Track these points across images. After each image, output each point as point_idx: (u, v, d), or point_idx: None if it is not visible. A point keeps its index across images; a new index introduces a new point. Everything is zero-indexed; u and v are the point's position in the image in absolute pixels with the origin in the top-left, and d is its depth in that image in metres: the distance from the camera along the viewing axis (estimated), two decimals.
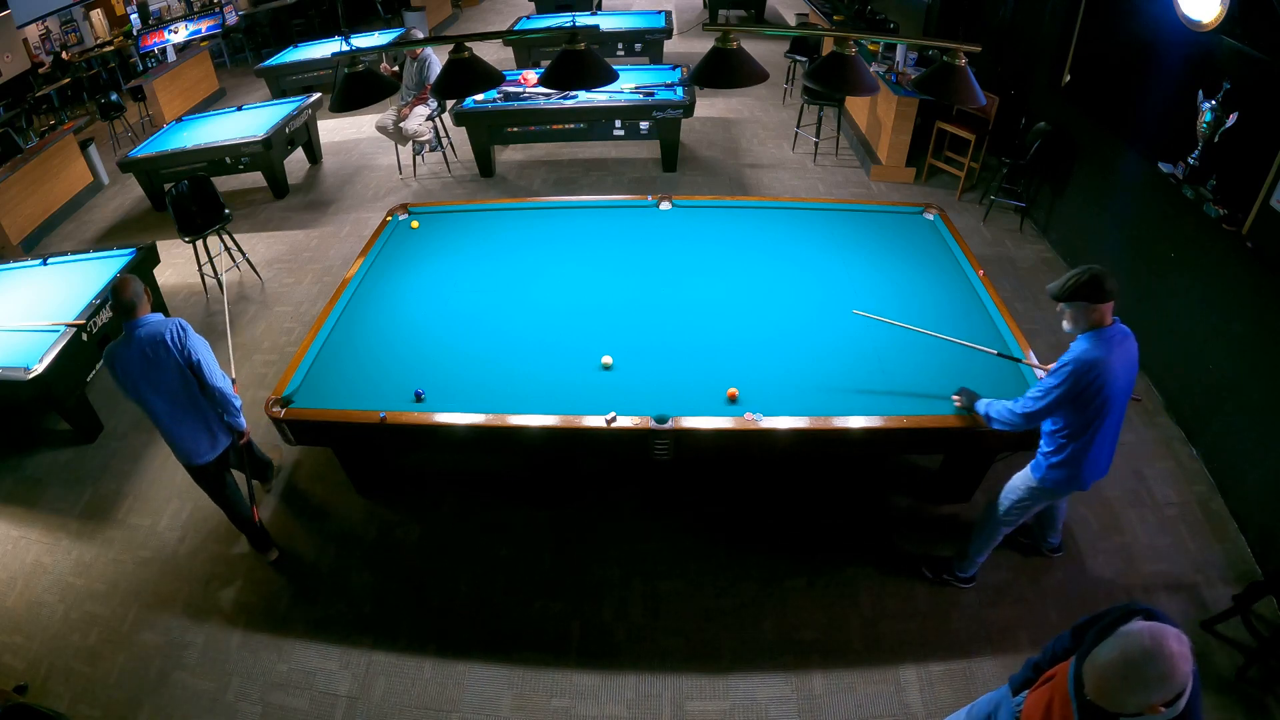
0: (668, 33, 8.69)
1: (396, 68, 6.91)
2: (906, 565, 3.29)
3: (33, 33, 10.56)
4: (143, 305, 2.93)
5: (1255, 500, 3.37)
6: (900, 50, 6.36)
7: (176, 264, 5.86)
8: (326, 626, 3.23)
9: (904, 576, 3.25)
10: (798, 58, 8.03)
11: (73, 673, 3.14)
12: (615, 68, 2.78)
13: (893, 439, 2.99)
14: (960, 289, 3.67)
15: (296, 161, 7.41)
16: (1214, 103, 3.57)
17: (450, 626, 3.19)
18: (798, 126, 7.09)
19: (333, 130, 8.23)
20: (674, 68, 7.30)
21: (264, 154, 6.45)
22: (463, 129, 6.80)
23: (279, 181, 6.85)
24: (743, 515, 3.57)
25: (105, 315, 4.32)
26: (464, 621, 3.21)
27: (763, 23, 11.00)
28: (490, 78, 2.73)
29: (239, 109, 7.40)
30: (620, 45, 8.75)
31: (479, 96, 6.51)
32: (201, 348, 3.00)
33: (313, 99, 7.27)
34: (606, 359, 3.29)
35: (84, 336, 4.08)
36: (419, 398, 3.14)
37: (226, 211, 5.34)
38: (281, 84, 8.94)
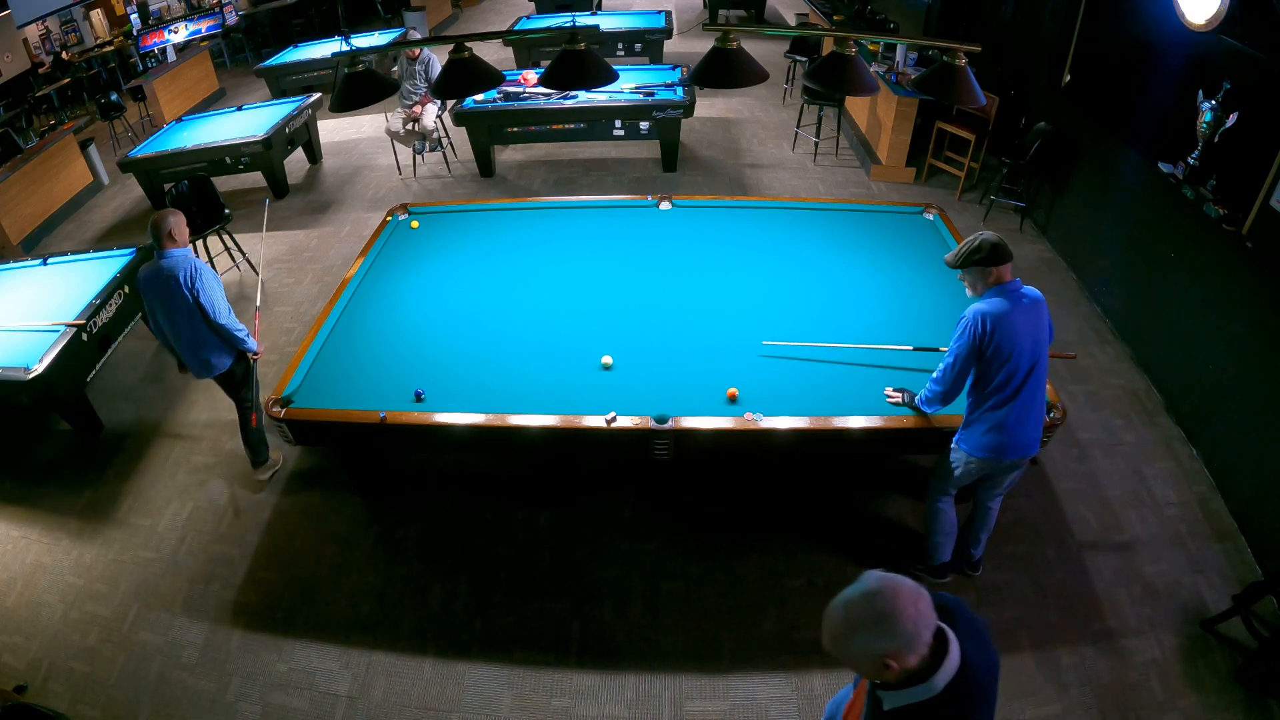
0: (668, 33, 8.68)
1: (396, 68, 6.91)
2: (906, 565, 3.28)
3: (33, 33, 10.56)
4: (171, 240, 3.37)
5: (1255, 500, 3.37)
6: (900, 50, 6.36)
7: None
8: (326, 626, 3.23)
9: (904, 576, 3.24)
10: (798, 58, 8.04)
11: (73, 673, 3.14)
12: (615, 68, 2.78)
13: (892, 439, 2.99)
14: (960, 289, 3.65)
15: (296, 161, 7.41)
16: (1214, 103, 3.57)
17: (450, 626, 3.19)
18: (798, 126, 7.09)
19: (333, 130, 8.23)
20: (674, 68, 7.30)
21: (264, 154, 6.45)
22: (463, 129, 6.81)
23: (279, 181, 6.85)
24: (743, 515, 3.57)
25: (105, 315, 4.32)
26: (464, 621, 3.21)
27: (763, 23, 11.00)
28: (490, 78, 2.73)
29: (239, 109, 7.40)
30: (620, 45, 8.75)
31: (479, 96, 6.51)
32: (210, 289, 3.41)
33: (313, 99, 7.27)
34: (606, 359, 3.29)
35: (84, 336, 4.08)
36: (419, 398, 3.14)
37: (226, 211, 5.35)
38: (281, 84, 8.94)
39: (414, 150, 7.04)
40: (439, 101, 6.77)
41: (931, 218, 4.27)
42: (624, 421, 2.93)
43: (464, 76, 2.67)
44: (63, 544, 3.71)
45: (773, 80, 7.68)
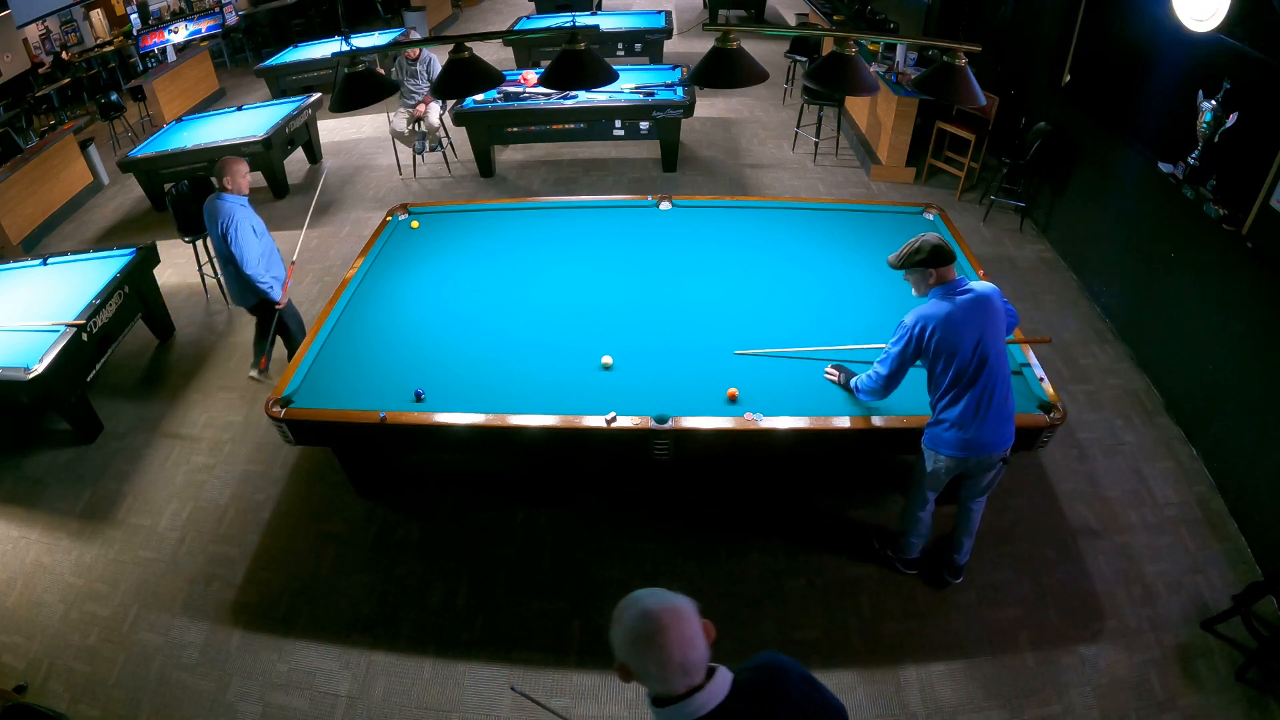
0: (668, 33, 8.68)
1: (394, 69, 6.91)
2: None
3: (33, 33, 10.56)
4: (224, 184, 3.89)
5: (1255, 500, 3.37)
6: (900, 50, 6.36)
7: (177, 264, 5.86)
8: (326, 626, 3.23)
9: (904, 576, 3.25)
10: (798, 58, 8.03)
11: (73, 673, 3.14)
12: (615, 68, 2.78)
13: (892, 439, 2.99)
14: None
15: (296, 161, 7.41)
16: (1214, 103, 3.57)
17: (450, 626, 3.19)
18: (798, 126, 7.09)
19: (333, 130, 8.23)
20: (674, 68, 7.30)
21: (264, 154, 6.45)
22: (463, 129, 6.81)
23: (279, 181, 6.85)
24: (743, 515, 3.57)
25: (105, 315, 4.32)
26: (464, 621, 3.21)
27: (763, 23, 11.00)
28: (490, 78, 2.73)
29: (239, 109, 7.40)
30: (620, 45, 8.75)
31: (479, 96, 6.51)
32: (242, 241, 3.85)
33: (313, 99, 7.27)
34: (606, 359, 3.29)
35: (84, 336, 4.08)
36: (419, 398, 3.14)
37: None
38: (281, 84, 8.94)
39: (414, 150, 7.04)
40: (441, 101, 6.77)
41: (932, 218, 4.27)
42: (624, 421, 2.93)
43: (464, 76, 2.67)
44: (63, 544, 3.71)
45: (773, 80, 7.68)
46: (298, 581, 3.43)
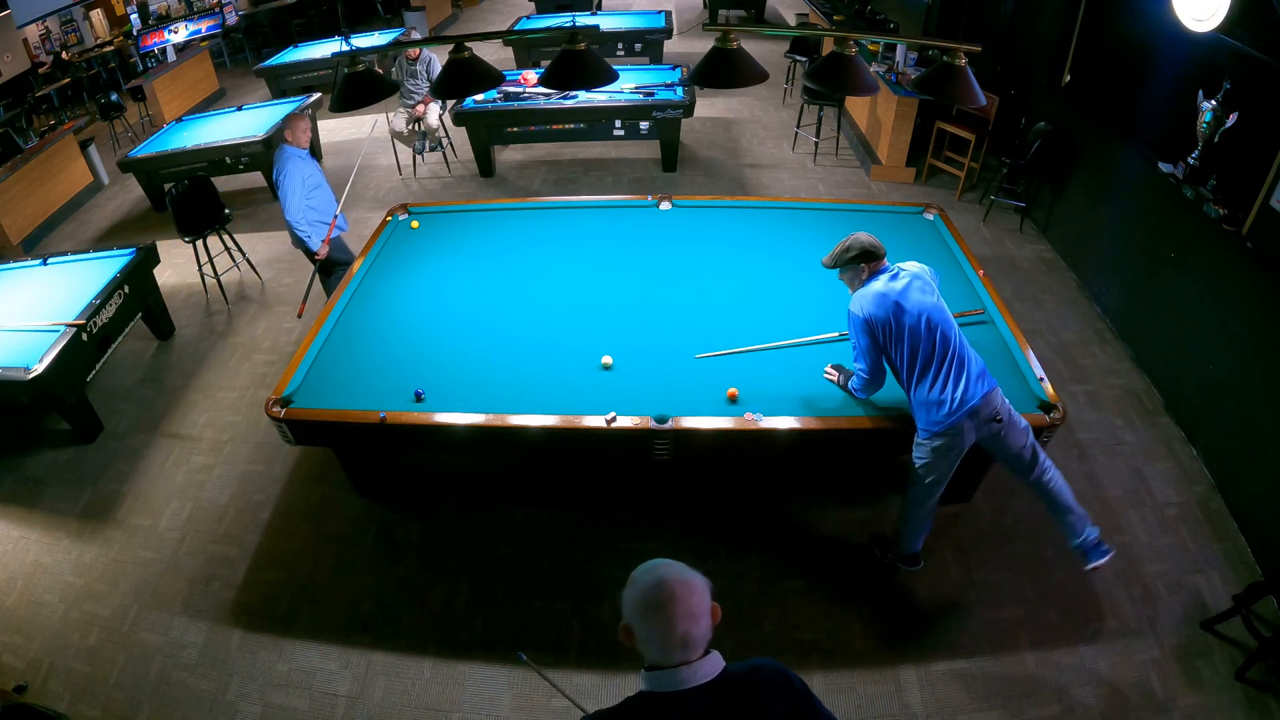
0: (668, 33, 8.68)
1: (394, 69, 6.91)
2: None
3: (33, 33, 10.56)
4: (284, 136, 4.33)
5: (1255, 500, 3.37)
6: (900, 50, 6.36)
7: (177, 264, 5.86)
8: (326, 626, 3.23)
9: (903, 576, 3.25)
10: (798, 58, 8.03)
11: (73, 673, 3.14)
12: (615, 68, 2.78)
13: (892, 439, 2.99)
14: (960, 289, 3.67)
15: None
16: (1214, 103, 3.57)
17: (450, 626, 3.19)
18: (798, 126, 7.09)
19: (333, 130, 8.23)
20: (674, 68, 7.30)
21: (264, 154, 6.45)
22: (463, 129, 6.80)
23: None
24: (743, 515, 3.57)
25: (105, 315, 4.32)
26: (464, 621, 3.21)
27: (763, 23, 11.00)
28: (490, 78, 2.73)
29: (239, 109, 7.40)
30: (620, 45, 8.74)
31: (479, 96, 6.51)
32: (286, 188, 4.24)
33: (313, 99, 7.27)
34: (606, 359, 3.29)
35: (84, 336, 4.08)
36: (419, 398, 3.14)
37: (227, 211, 5.35)
38: (281, 84, 8.93)
39: (414, 150, 7.04)
40: (441, 101, 6.77)
41: (931, 218, 4.27)
42: (624, 421, 2.93)
43: (464, 76, 2.67)
44: (63, 544, 3.71)
45: (773, 80, 7.68)
46: (298, 581, 3.43)
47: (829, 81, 2.65)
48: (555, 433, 2.98)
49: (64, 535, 3.75)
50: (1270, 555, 3.21)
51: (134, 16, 10.76)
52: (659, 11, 9.14)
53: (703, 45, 9.28)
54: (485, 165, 6.87)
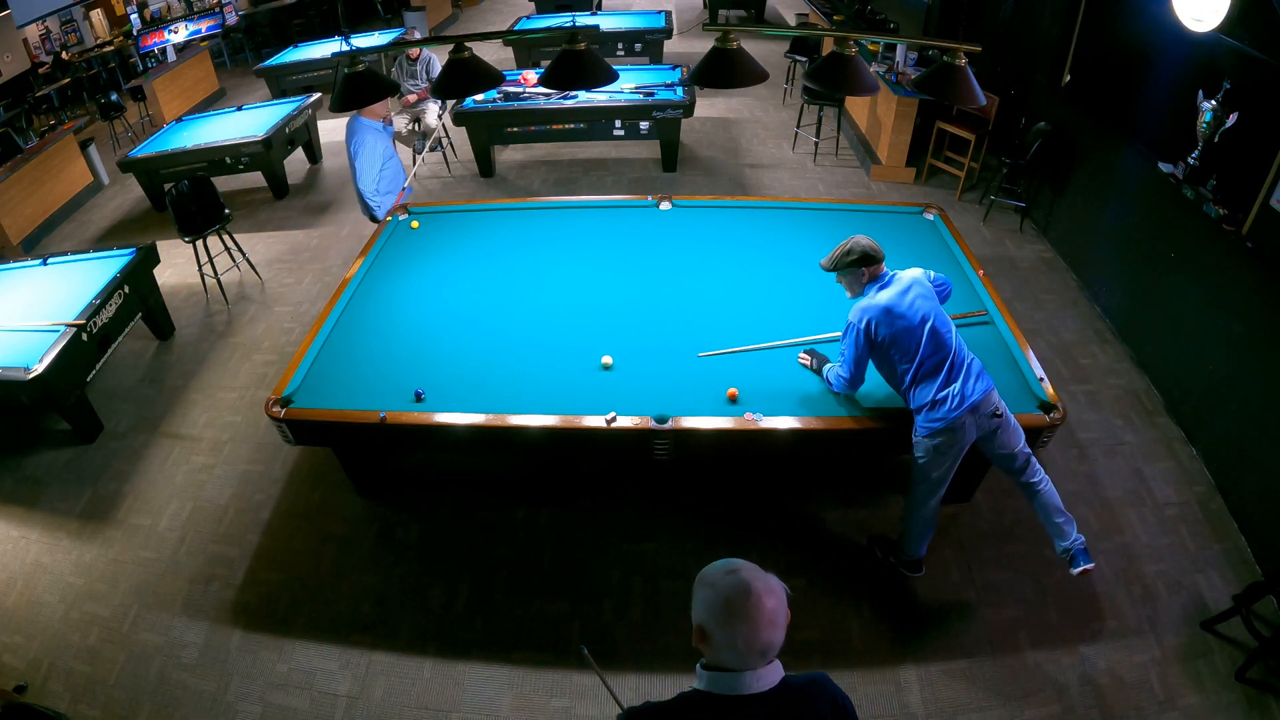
0: (668, 33, 8.68)
1: (394, 69, 6.91)
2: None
3: (33, 33, 10.56)
4: (364, 108, 4.19)
5: (1255, 500, 3.37)
6: (900, 50, 6.36)
7: (177, 264, 5.86)
8: (326, 626, 3.23)
9: (904, 576, 3.25)
10: (798, 58, 8.03)
11: (73, 673, 3.14)
12: (615, 68, 2.78)
13: (893, 439, 2.99)
14: (960, 289, 3.67)
15: (297, 161, 7.41)
16: (1214, 103, 3.57)
17: (450, 626, 3.19)
18: (798, 126, 7.09)
19: (333, 130, 8.21)
20: (674, 68, 7.29)
21: (264, 154, 6.45)
22: (463, 129, 6.80)
23: (279, 181, 6.84)
24: (743, 515, 3.57)
25: (105, 315, 4.32)
26: (464, 621, 3.21)
27: (763, 23, 11.00)
28: (490, 78, 2.73)
29: (239, 109, 7.40)
30: (620, 45, 8.75)
31: (479, 96, 6.51)
32: (359, 158, 4.44)
33: (313, 99, 7.27)
34: (606, 359, 3.29)
35: (84, 336, 4.08)
36: (419, 398, 3.14)
37: (227, 211, 5.35)
38: (281, 84, 8.94)
39: (414, 150, 7.04)
40: (439, 100, 6.77)
41: (931, 218, 4.26)
42: (624, 421, 2.93)
43: (464, 77, 2.67)
44: (63, 544, 3.71)
45: (773, 80, 7.68)
46: (298, 581, 3.43)
47: (829, 81, 2.65)
48: (555, 433, 2.98)
49: (64, 535, 3.75)
50: (1270, 555, 3.21)
51: (134, 16, 10.76)
52: (659, 11, 9.14)
53: (703, 45, 9.28)
54: (485, 165, 6.87)
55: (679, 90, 6.49)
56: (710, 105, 8.22)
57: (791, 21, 10.66)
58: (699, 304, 3.66)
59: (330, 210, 6.64)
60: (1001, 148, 5.70)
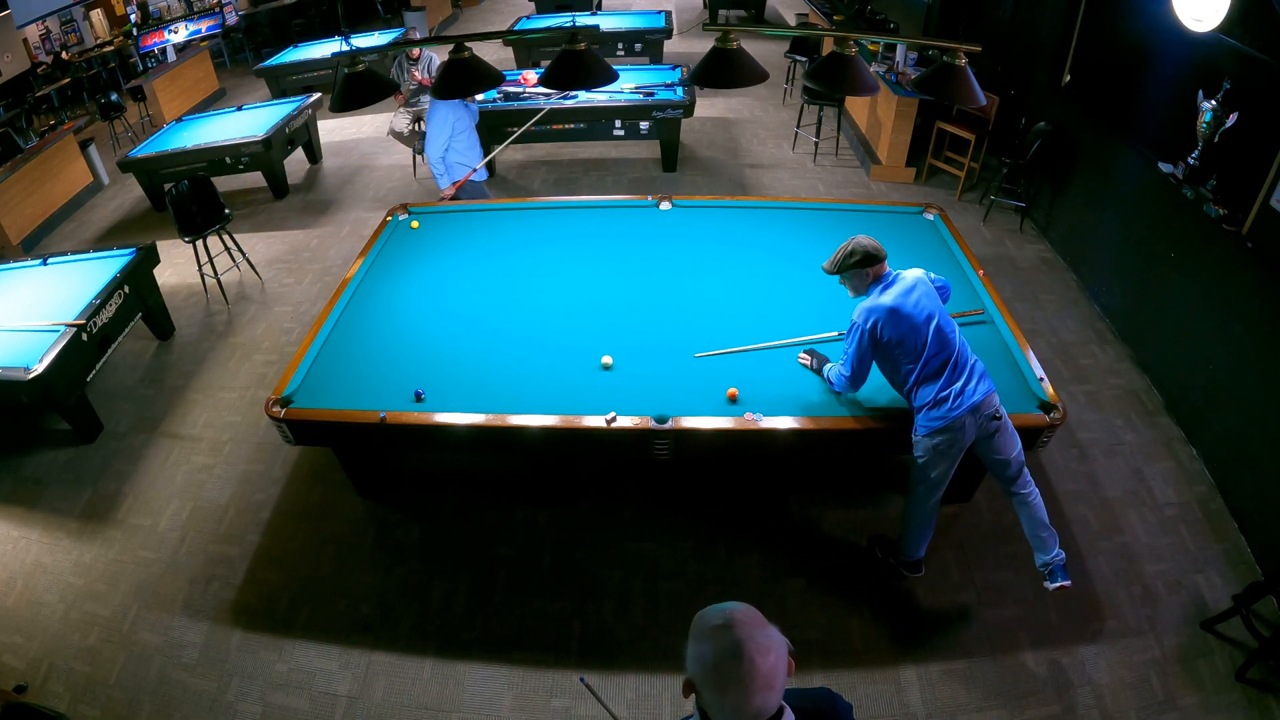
0: (668, 33, 8.68)
1: (394, 70, 6.90)
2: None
3: (33, 33, 10.56)
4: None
5: (1255, 500, 3.37)
6: (900, 50, 6.36)
7: (177, 264, 5.86)
8: (326, 626, 3.23)
9: (904, 577, 3.25)
10: (798, 58, 8.04)
11: (73, 673, 3.14)
12: (615, 68, 2.78)
13: (893, 439, 2.99)
14: (960, 289, 3.67)
15: (296, 161, 7.41)
16: (1214, 103, 3.57)
17: (450, 626, 3.19)
18: (798, 126, 7.09)
19: (333, 130, 8.23)
20: (674, 68, 7.29)
21: (264, 154, 6.45)
22: None
23: (279, 181, 6.84)
24: (743, 515, 3.57)
25: (105, 315, 4.32)
26: (464, 621, 3.21)
27: (763, 23, 11.00)
28: (490, 78, 2.73)
29: (239, 109, 7.40)
30: (620, 45, 8.75)
31: (479, 96, 6.50)
32: (431, 128, 4.68)
33: (313, 99, 7.27)
34: (606, 359, 3.29)
35: (84, 336, 4.08)
36: (419, 398, 3.14)
37: (227, 211, 5.35)
38: (281, 84, 8.93)
39: (414, 150, 7.04)
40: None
41: (931, 218, 4.26)
42: (624, 421, 2.93)
43: (464, 76, 2.67)
44: (63, 544, 3.71)
45: (773, 80, 7.68)
46: (298, 581, 3.43)
47: (829, 81, 2.65)
48: (555, 433, 2.98)
49: (64, 535, 3.75)
50: (1270, 555, 3.21)
51: (134, 16, 10.75)
52: (659, 11, 9.15)
53: (703, 45, 9.28)
54: (485, 165, 6.86)
55: (679, 90, 6.49)
56: (710, 105, 8.23)
57: (791, 21, 10.67)
58: (699, 304, 3.66)
59: (330, 210, 6.65)
60: (1001, 148, 5.70)
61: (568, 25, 3.13)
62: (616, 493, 3.71)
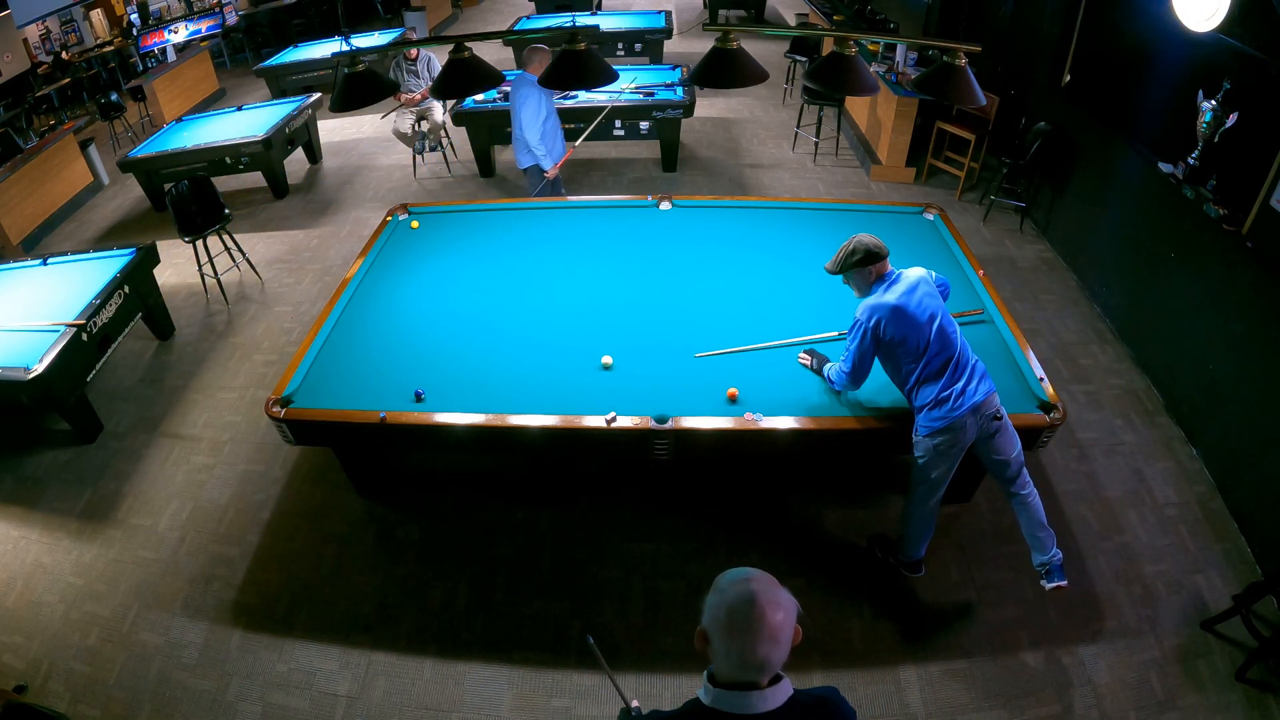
0: (668, 33, 8.69)
1: (393, 70, 6.90)
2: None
3: (33, 33, 10.55)
4: (528, 68, 4.81)
5: (1255, 500, 3.37)
6: (900, 50, 6.36)
7: (177, 264, 5.86)
8: (326, 626, 3.23)
9: (904, 577, 3.25)
10: (798, 58, 8.04)
11: (73, 673, 3.14)
12: (615, 68, 2.78)
13: (893, 439, 2.99)
14: (960, 289, 3.67)
15: (296, 161, 7.41)
16: (1214, 103, 3.57)
17: (450, 626, 3.19)
18: (798, 126, 7.09)
19: (333, 130, 8.23)
20: (674, 68, 7.30)
21: (264, 154, 6.45)
22: (463, 129, 6.80)
23: (279, 181, 6.84)
24: (743, 515, 3.57)
25: (105, 315, 4.32)
26: (464, 621, 3.21)
27: (763, 23, 11.00)
28: (490, 78, 2.73)
29: (239, 109, 7.40)
30: (620, 45, 8.75)
31: (479, 96, 6.50)
32: (523, 111, 4.77)
33: (313, 99, 7.27)
34: (606, 359, 3.29)
35: (84, 336, 4.08)
36: (419, 398, 3.14)
37: (226, 211, 5.35)
38: (281, 84, 8.94)
39: (414, 150, 7.04)
40: (440, 100, 6.77)
41: (931, 218, 4.27)
42: (624, 421, 2.93)
43: (464, 76, 2.67)
44: (63, 544, 3.71)
45: (773, 80, 7.68)
46: (298, 581, 3.43)
47: (829, 81, 2.65)
48: (555, 433, 2.98)
49: (64, 535, 3.75)
50: (1270, 555, 3.21)
51: (134, 16, 10.75)
52: (659, 11, 9.15)
53: (703, 45, 9.28)
54: (485, 165, 6.87)
55: (679, 90, 6.49)
56: (710, 105, 8.22)
57: (791, 21, 10.67)
58: (699, 304, 3.66)
59: (330, 210, 6.64)
60: (1001, 148, 5.70)
61: (568, 25, 3.13)
62: (616, 493, 3.71)
